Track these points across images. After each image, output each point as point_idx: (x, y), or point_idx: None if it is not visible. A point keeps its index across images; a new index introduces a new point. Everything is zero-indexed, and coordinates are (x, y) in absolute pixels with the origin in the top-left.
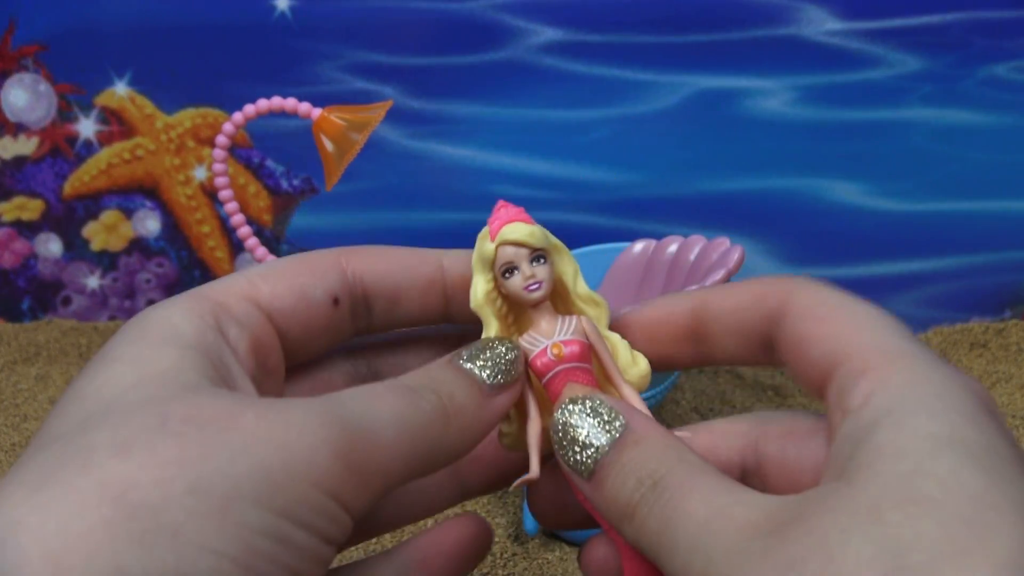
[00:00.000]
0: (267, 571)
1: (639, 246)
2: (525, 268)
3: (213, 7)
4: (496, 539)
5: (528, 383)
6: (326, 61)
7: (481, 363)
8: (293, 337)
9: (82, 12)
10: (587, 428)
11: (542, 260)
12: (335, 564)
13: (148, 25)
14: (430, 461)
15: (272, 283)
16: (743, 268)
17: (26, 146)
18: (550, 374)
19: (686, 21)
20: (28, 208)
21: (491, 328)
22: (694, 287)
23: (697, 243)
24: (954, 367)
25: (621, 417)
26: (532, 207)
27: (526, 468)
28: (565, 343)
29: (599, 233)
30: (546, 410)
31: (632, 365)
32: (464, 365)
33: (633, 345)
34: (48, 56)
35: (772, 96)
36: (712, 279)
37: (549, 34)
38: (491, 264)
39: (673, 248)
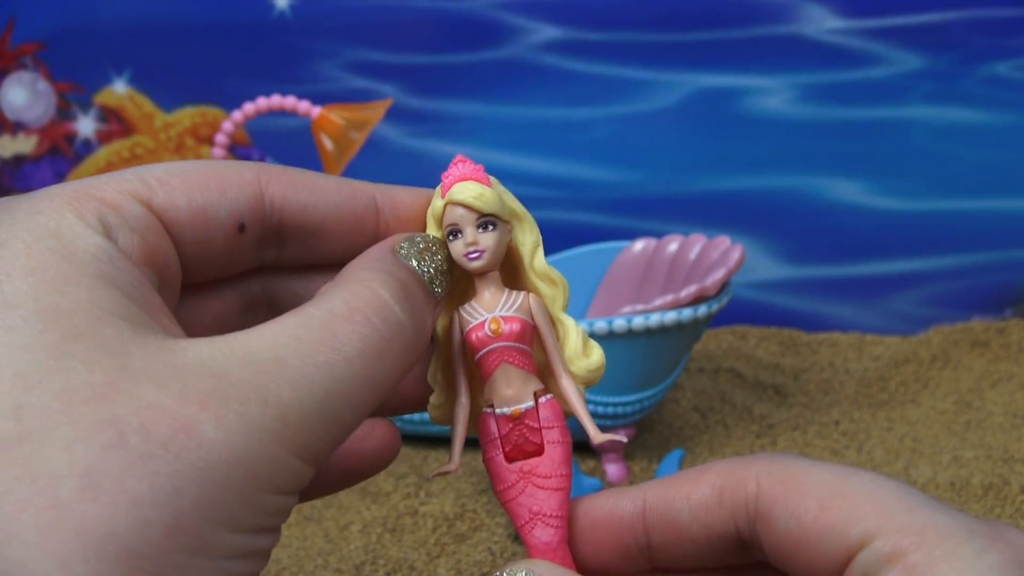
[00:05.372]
0: None
1: (639, 245)
2: (469, 233)
3: (212, 5)
4: (496, 539)
5: (460, 357)
6: (326, 59)
7: (431, 267)
8: (188, 255)
9: (81, 11)
10: None
11: (491, 227)
12: None
13: (147, 23)
14: (392, 392)
15: (170, 191)
16: (744, 266)
17: (25, 144)
18: (485, 350)
19: (687, 19)
20: None
21: None
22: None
23: (697, 242)
24: (987, 527)
25: None
26: (532, 206)
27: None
28: (505, 319)
29: (599, 232)
30: (477, 388)
31: (580, 356)
32: (411, 264)
33: (574, 554)
34: (47, 54)
35: (773, 95)
36: (713, 278)
37: (549, 32)
38: (437, 220)
39: (673, 247)
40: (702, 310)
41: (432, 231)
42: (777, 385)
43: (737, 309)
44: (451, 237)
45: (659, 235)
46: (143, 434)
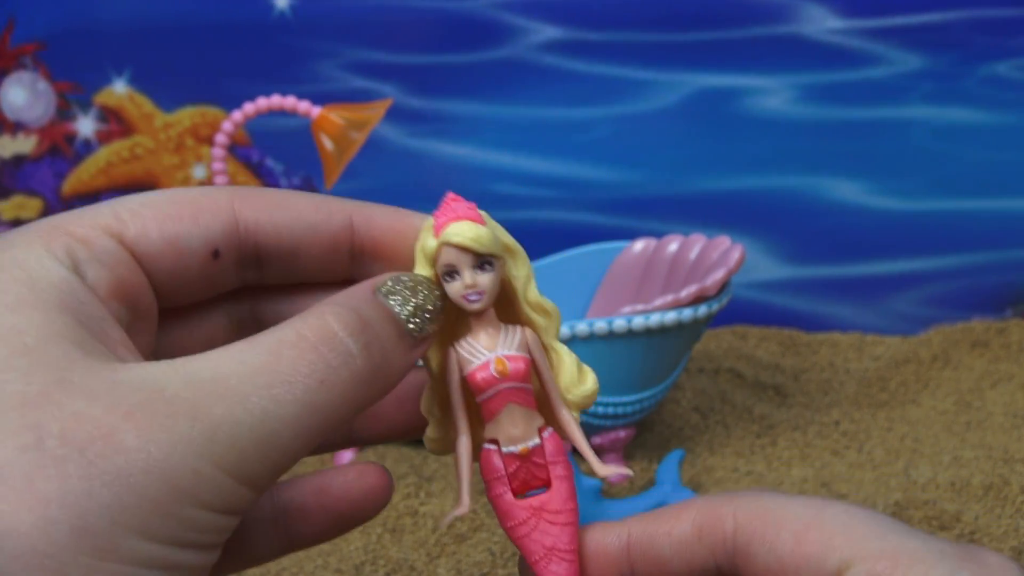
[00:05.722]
0: None
1: (639, 245)
2: (467, 275)
3: (212, 5)
4: (496, 539)
5: (459, 393)
6: (325, 59)
7: (410, 305)
8: (163, 284)
9: (81, 10)
10: None
11: (487, 267)
12: None
13: (147, 23)
14: (342, 423)
15: (141, 224)
16: (744, 266)
17: (25, 144)
18: (491, 392)
19: (687, 19)
20: (27, 207)
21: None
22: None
23: (698, 242)
24: (957, 549)
25: None
26: (532, 206)
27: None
28: (510, 359)
29: (599, 232)
30: (477, 425)
31: (577, 383)
32: (388, 302)
33: None
34: (47, 54)
35: (773, 94)
36: (713, 278)
37: (549, 32)
38: (432, 261)
39: (674, 247)
40: (702, 310)
41: (421, 269)
42: (777, 385)
43: (737, 309)
44: (447, 278)
45: (659, 235)
46: (61, 439)
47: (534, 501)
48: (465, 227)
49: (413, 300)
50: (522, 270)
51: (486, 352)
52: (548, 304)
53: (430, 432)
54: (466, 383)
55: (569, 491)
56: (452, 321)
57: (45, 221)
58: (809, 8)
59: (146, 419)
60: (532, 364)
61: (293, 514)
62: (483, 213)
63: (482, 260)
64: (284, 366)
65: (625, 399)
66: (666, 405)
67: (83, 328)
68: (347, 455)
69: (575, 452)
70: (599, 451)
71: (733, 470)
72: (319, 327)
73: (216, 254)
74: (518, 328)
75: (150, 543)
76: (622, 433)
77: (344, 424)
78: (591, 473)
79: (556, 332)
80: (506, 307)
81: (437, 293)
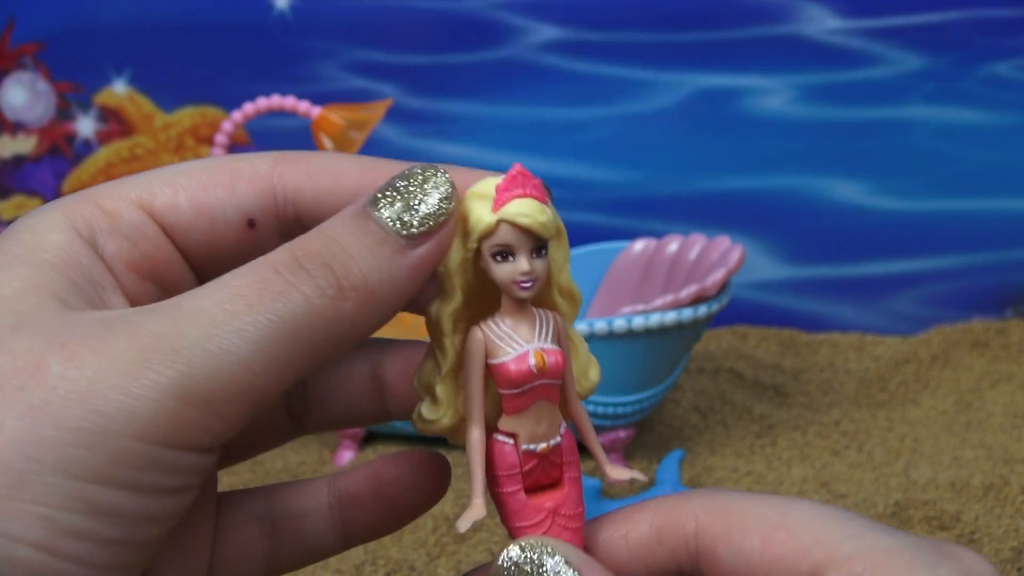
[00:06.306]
0: (80, 551)
1: (639, 245)
2: (523, 261)
3: (212, 5)
4: (496, 539)
5: (480, 380)
6: (325, 59)
7: (401, 205)
8: (197, 256)
9: (81, 11)
10: None
11: (543, 251)
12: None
13: (147, 24)
14: (318, 356)
15: (172, 194)
16: (744, 266)
17: (25, 145)
18: (526, 387)
19: (687, 20)
20: (27, 207)
21: (454, 299)
22: (680, 290)
23: (698, 242)
24: (930, 544)
25: None
26: None
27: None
28: (548, 352)
29: (599, 232)
30: (491, 413)
31: (585, 374)
32: (377, 213)
33: None
34: (47, 55)
35: (773, 95)
36: (713, 278)
37: (549, 32)
38: (481, 234)
39: (674, 247)
40: (702, 310)
41: (457, 238)
42: (777, 385)
43: (737, 309)
44: (497, 258)
45: (659, 235)
46: None
47: (548, 502)
48: (534, 207)
49: (400, 198)
50: (560, 252)
51: (523, 343)
52: (576, 290)
53: (426, 412)
54: (489, 371)
55: (579, 494)
56: (475, 295)
57: (81, 192)
58: (809, 8)
59: (78, 345)
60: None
61: (347, 502)
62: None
63: (540, 245)
64: (239, 283)
65: (625, 399)
66: (666, 405)
67: (73, 287)
68: (347, 455)
69: (580, 447)
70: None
71: (733, 470)
72: (284, 253)
73: (251, 223)
74: (551, 315)
75: (73, 480)
76: (622, 433)
77: (329, 344)
78: (591, 473)
79: (575, 319)
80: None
81: (443, 178)
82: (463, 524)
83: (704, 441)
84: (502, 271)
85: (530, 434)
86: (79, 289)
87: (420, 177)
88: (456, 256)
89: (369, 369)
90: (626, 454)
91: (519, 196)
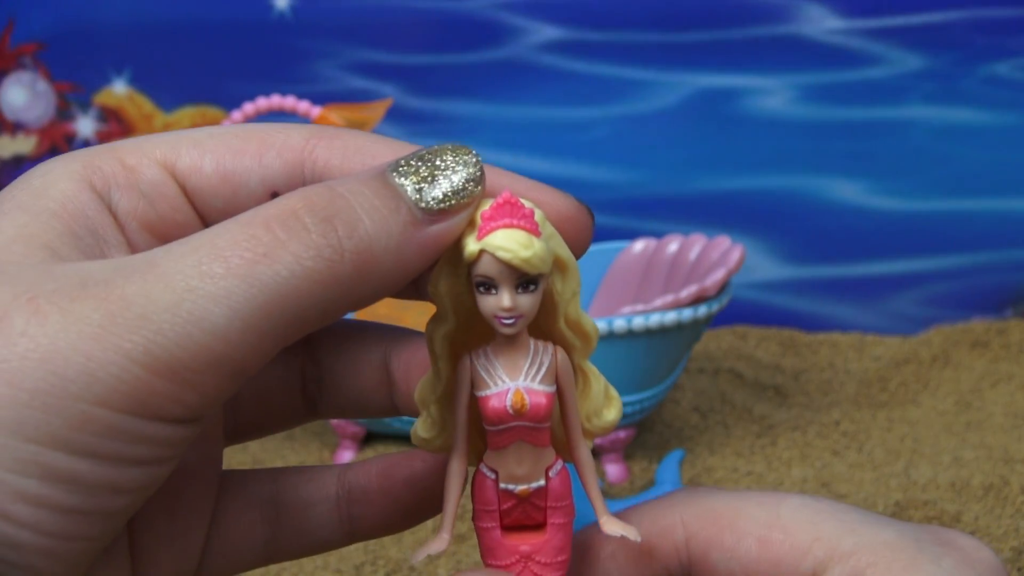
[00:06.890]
0: (36, 517)
1: (639, 245)
2: (505, 296)
3: (212, 5)
4: None
5: (466, 409)
6: (325, 59)
7: (425, 175)
8: (216, 223)
9: (81, 11)
10: None
11: (532, 287)
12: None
13: (147, 23)
14: (304, 325)
15: (197, 156)
16: (744, 266)
17: (25, 145)
18: (501, 427)
19: (686, 19)
20: None
21: (446, 322)
22: (694, 285)
23: (698, 242)
24: (929, 534)
25: None
26: None
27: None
28: (531, 393)
29: (599, 232)
30: (475, 446)
31: (600, 412)
32: (398, 180)
33: None
34: (47, 55)
35: (772, 95)
36: (713, 278)
37: (549, 32)
38: (467, 261)
39: (674, 247)
40: (702, 310)
41: (445, 264)
42: (777, 385)
43: (737, 309)
44: (480, 289)
45: (659, 235)
46: None
47: (524, 545)
48: (518, 240)
49: (426, 169)
50: (568, 286)
51: (506, 379)
52: (588, 324)
53: (422, 430)
54: (476, 407)
55: (564, 541)
56: (472, 323)
57: (106, 144)
58: (809, 8)
59: (46, 301)
60: (559, 394)
61: (356, 496)
62: (540, 217)
63: (528, 280)
64: (223, 241)
65: (625, 399)
66: (666, 405)
67: (71, 237)
68: (346, 455)
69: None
70: (599, 451)
71: (733, 470)
72: (282, 205)
73: (274, 197)
74: (550, 348)
75: (26, 443)
76: (622, 433)
77: (317, 312)
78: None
79: (590, 353)
80: (539, 319)
81: (473, 158)
82: (417, 556)
83: (704, 441)
84: (485, 304)
85: (509, 474)
86: (77, 239)
87: (451, 153)
88: (445, 279)
89: (381, 357)
90: (626, 454)
91: (505, 227)
